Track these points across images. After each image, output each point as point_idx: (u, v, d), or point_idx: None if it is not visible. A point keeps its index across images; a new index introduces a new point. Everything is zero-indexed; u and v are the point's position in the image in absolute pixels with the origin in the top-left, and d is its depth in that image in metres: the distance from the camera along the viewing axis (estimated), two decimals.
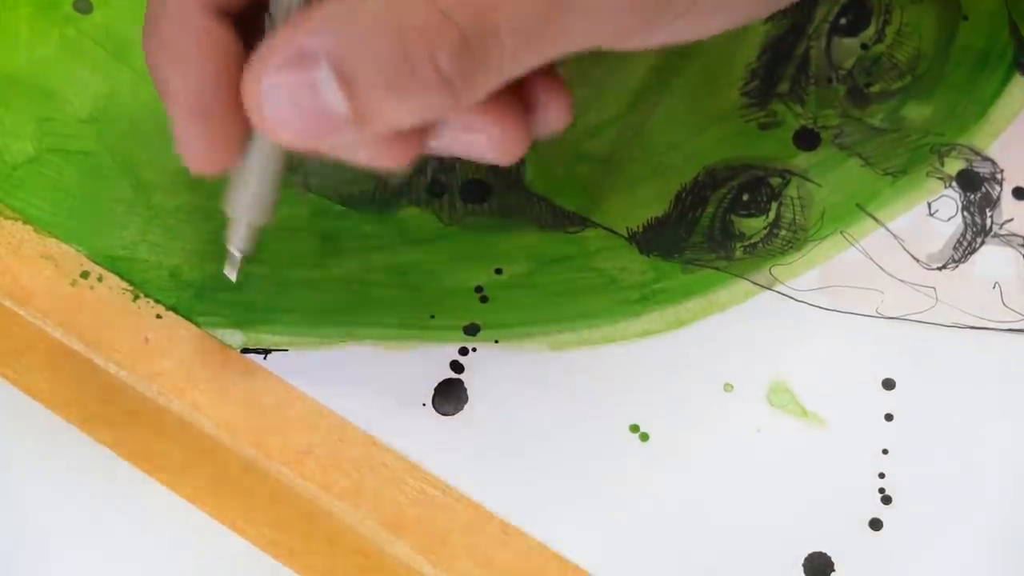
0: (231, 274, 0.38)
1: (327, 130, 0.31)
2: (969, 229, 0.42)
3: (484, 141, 0.34)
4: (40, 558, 0.40)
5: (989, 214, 0.42)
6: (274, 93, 0.31)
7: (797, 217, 0.42)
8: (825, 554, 0.38)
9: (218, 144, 0.34)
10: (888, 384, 0.40)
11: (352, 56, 0.30)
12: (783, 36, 0.44)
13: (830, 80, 0.44)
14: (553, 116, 0.35)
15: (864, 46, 0.45)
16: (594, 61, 0.43)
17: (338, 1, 0.31)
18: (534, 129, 0.35)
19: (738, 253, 0.41)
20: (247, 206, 0.36)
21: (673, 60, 0.43)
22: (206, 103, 0.33)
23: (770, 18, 0.44)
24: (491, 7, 0.30)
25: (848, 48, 0.45)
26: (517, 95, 0.34)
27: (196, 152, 0.34)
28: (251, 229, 0.36)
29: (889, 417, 0.39)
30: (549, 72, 0.35)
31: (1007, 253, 0.42)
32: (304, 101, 0.31)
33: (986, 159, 0.43)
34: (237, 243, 0.37)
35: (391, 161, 0.34)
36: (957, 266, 0.41)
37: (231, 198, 0.36)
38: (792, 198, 0.42)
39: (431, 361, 0.40)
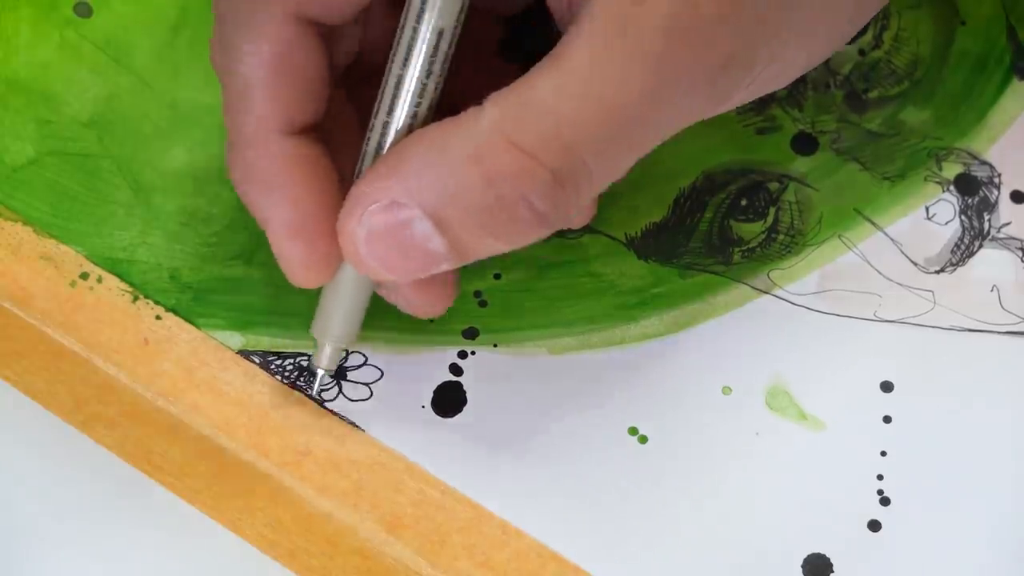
0: (314, 391, 0.39)
1: (425, 268, 0.33)
2: (967, 233, 0.42)
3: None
4: (40, 558, 0.40)
5: (987, 218, 0.42)
6: (372, 241, 0.32)
7: (795, 222, 0.42)
8: (824, 555, 0.38)
9: (318, 260, 0.35)
10: (886, 387, 0.40)
11: (446, 205, 0.31)
12: None
13: (828, 85, 0.44)
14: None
15: (862, 52, 0.45)
16: None
17: (420, 143, 0.31)
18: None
19: (736, 258, 0.41)
20: (336, 332, 0.37)
21: None
22: (301, 226, 0.34)
23: None
24: (576, 139, 0.31)
25: (846, 53, 0.45)
26: None
27: (297, 269, 0.35)
28: (337, 351, 0.37)
29: (887, 420, 0.39)
30: None
31: (1005, 256, 0.42)
32: (404, 247, 0.32)
33: (984, 163, 0.43)
34: (325, 364, 0.38)
35: (432, 305, 0.37)
36: (955, 269, 0.42)
37: (319, 321, 0.37)
38: (790, 203, 0.42)
39: (430, 364, 0.40)
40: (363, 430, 0.38)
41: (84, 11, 0.43)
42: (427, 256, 0.32)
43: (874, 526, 0.38)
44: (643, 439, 0.39)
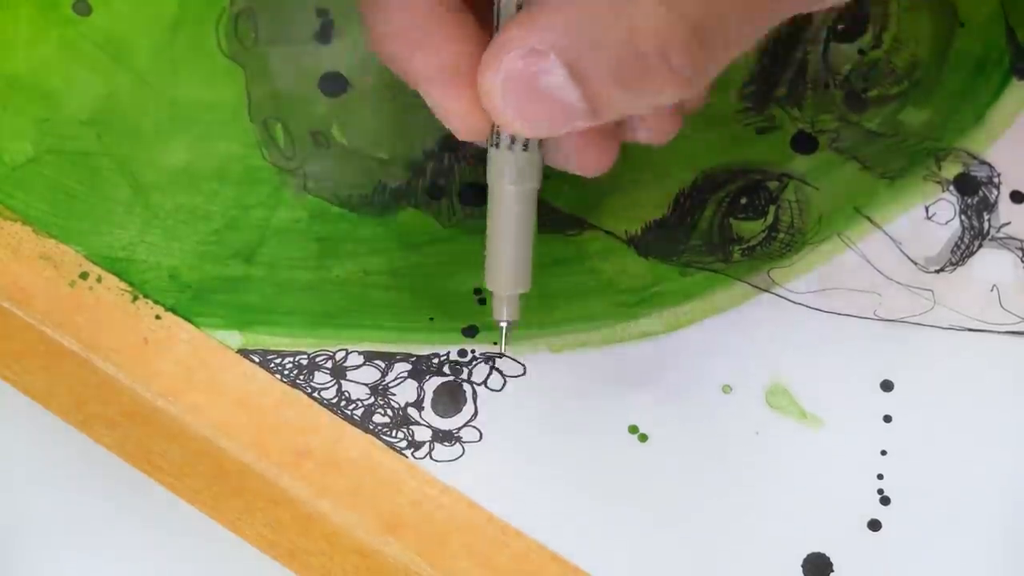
0: (502, 347, 0.39)
1: (561, 121, 0.32)
2: (967, 232, 0.42)
3: (563, 159, 0.37)
4: (40, 558, 0.40)
5: (987, 217, 0.42)
6: (509, 86, 0.32)
7: (795, 220, 0.42)
8: (824, 555, 0.38)
9: (476, 107, 0.34)
10: (886, 386, 0.40)
11: (583, 54, 0.31)
12: (781, 41, 0.44)
13: (827, 85, 0.44)
14: (654, 127, 0.37)
15: (861, 52, 0.45)
16: None
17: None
18: (641, 138, 0.37)
19: (736, 256, 0.41)
20: (509, 280, 0.37)
21: None
22: (455, 74, 0.34)
23: None
24: None
25: (846, 54, 0.45)
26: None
27: (455, 118, 0.35)
28: (514, 299, 0.37)
29: (887, 419, 0.39)
30: None
31: (1005, 256, 0.42)
32: (537, 95, 0.32)
33: (983, 163, 0.43)
34: (508, 315, 0.38)
35: (598, 159, 0.37)
36: (955, 269, 0.42)
37: (492, 275, 0.37)
38: (790, 201, 0.42)
39: (430, 363, 0.40)
40: (361, 431, 0.38)
41: (83, 9, 0.43)
42: (562, 107, 0.32)
43: (874, 525, 0.38)
44: (643, 437, 0.39)
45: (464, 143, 0.42)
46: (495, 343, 0.40)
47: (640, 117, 0.36)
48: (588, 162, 0.37)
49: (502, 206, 0.36)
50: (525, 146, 0.35)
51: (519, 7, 0.34)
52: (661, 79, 0.31)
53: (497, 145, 0.36)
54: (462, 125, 0.35)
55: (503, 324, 0.38)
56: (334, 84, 0.43)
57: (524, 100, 0.32)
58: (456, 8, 0.35)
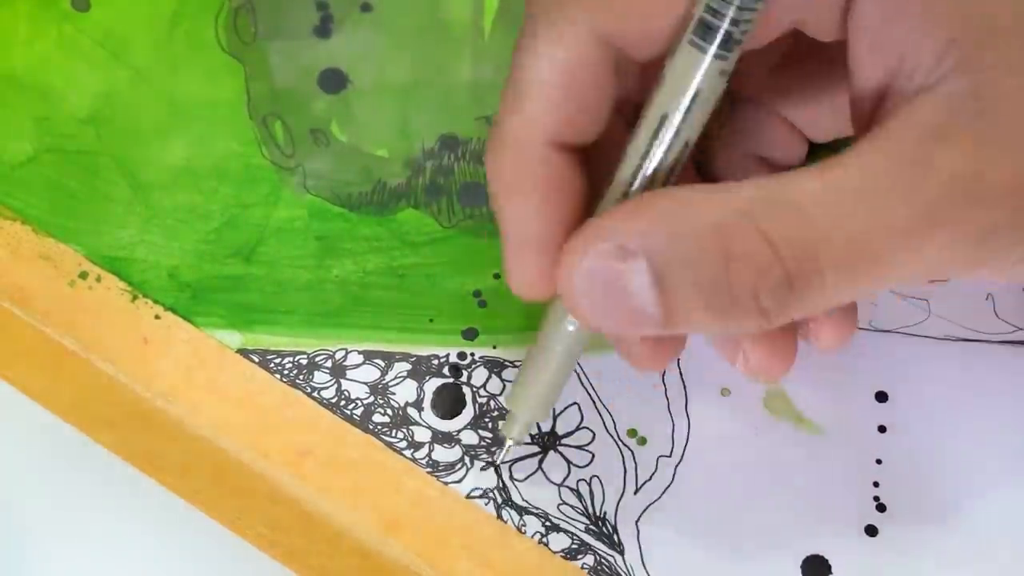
0: (498, 459, 0.39)
1: (631, 324, 0.31)
2: None
3: (740, 360, 0.35)
4: (40, 558, 0.40)
5: None
6: (588, 277, 0.31)
7: None
8: (823, 558, 0.38)
9: (542, 276, 0.33)
10: (881, 397, 0.40)
11: (673, 267, 0.30)
12: None
13: None
14: (828, 337, 0.35)
15: None
16: None
17: (668, 200, 0.30)
18: (811, 342, 0.35)
19: None
20: (531, 405, 0.36)
21: None
22: (535, 238, 0.33)
23: None
24: (820, 246, 0.29)
25: None
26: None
27: (519, 279, 0.34)
28: (527, 424, 0.36)
29: (883, 429, 0.39)
30: None
31: None
32: (615, 293, 0.31)
33: None
34: (514, 435, 0.37)
35: (656, 361, 0.35)
36: (950, 278, 0.42)
37: (515, 394, 0.36)
38: None
39: (430, 364, 0.40)
40: (362, 431, 0.39)
41: (82, 5, 0.43)
42: (637, 312, 0.31)
43: (871, 531, 0.38)
44: (643, 440, 0.39)
45: (464, 142, 0.42)
46: (495, 346, 0.40)
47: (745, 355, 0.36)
48: (643, 360, 0.36)
49: (553, 341, 0.35)
50: None
51: (625, 194, 0.32)
52: (744, 312, 0.30)
53: None
54: (522, 289, 0.34)
55: (509, 442, 0.37)
56: (333, 81, 0.43)
57: (600, 295, 0.31)
58: (569, 161, 0.33)
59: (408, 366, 0.40)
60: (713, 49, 0.30)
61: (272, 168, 0.42)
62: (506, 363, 0.40)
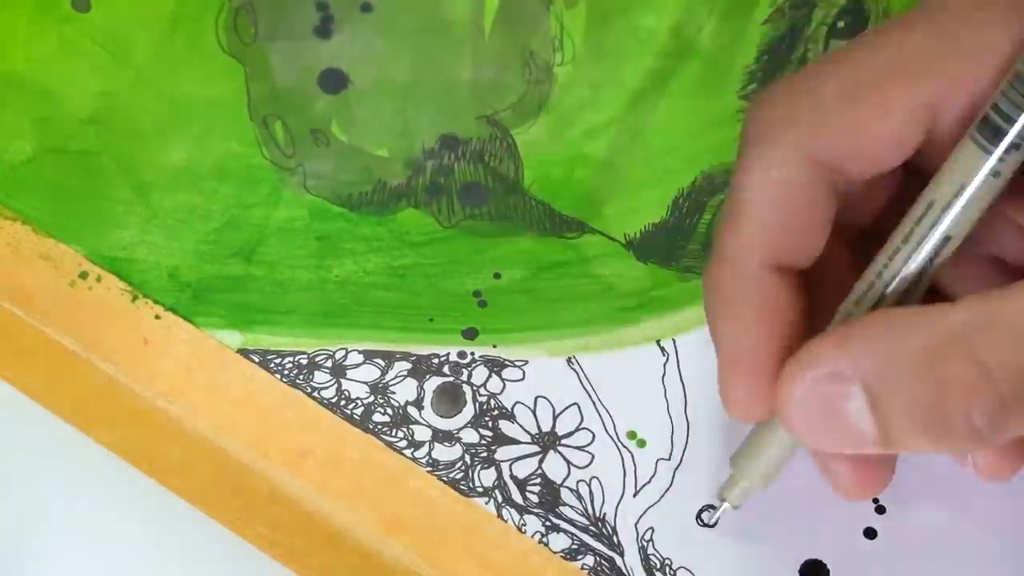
0: (712, 520, 0.39)
1: (846, 445, 0.32)
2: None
3: (967, 463, 0.35)
4: (39, 558, 0.40)
5: None
6: (805, 402, 0.31)
7: None
8: (821, 562, 0.38)
9: (754, 397, 0.34)
10: None
11: (887, 391, 0.30)
12: (781, 39, 0.44)
13: None
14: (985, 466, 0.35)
15: None
16: (591, 61, 0.43)
17: (883, 322, 0.31)
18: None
19: None
20: (756, 473, 0.36)
21: (671, 62, 0.43)
22: (747, 361, 0.33)
23: (768, 20, 0.44)
24: None
25: None
26: None
27: (733, 400, 0.34)
28: (748, 490, 0.36)
29: None
30: None
31: None
32: (833, 417, 0.31)
33: None
34: (734, 501, 0.36)
35: (864, 488, 0.35)
36: None
37: (743, 457, 0.36)
38: None
39: (430, 363, 0.40)
40: (362, 431, 0.39)
41: (82, 6, 0.43)
42: (853, 434, 0.31)
43: (870, 533, 0.38)
44: (642, 443, 0.39)
45: (464, 142, 0.42)
46: (495, 345, 0.40)
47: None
48: (851, 487, 0.35)
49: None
50: None
51: (846, 316, 0.33)
52: (959, 434, 0.31)
53: None
54: (737, 410, 0.34)
55: (726, 505, 0.36)
56: (334, 81, 0.43)
57: (818, 418, 0.31)
58: (786, 283, 0.33)
59: (408, 365, 0.40)
60: (998, 153, 0.30)
61: (272, 168, 0.42)
62: (506, 362, 0.40)
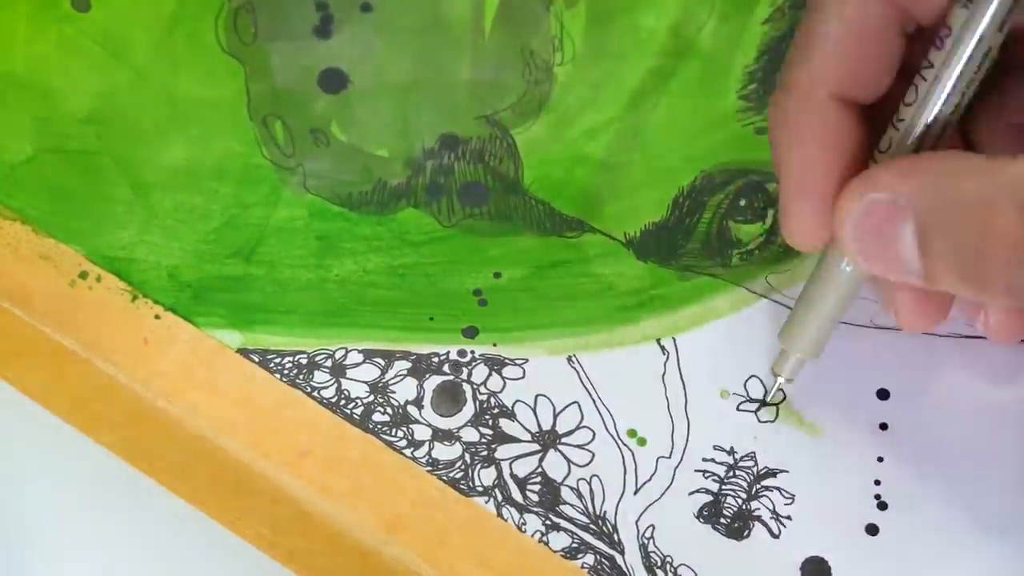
0: (769, 396, 0.40)
1: (894, 272, 0.33)
2: None
3: (980, 318, 0.36)
4: (39, 558, 0.40)
5: None
6: (860, 222, 0.33)
7: None
8: (822, 558, 0.38)
9: (818, 224, 0.35)
10: (882, 394, 0.40)
11: (936, 230, 0.31)
12: (782, 38, 0.44)
13: None
14: (997, 327, 0.36)
15: None
16: (591, 61, 0.43)
17: (942, 163, 0.32)
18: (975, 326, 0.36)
19: (735, 260, 0.41)
20: (806, 343, 0.37)
21: (671, 62, 0.43)
22: (813, 186, 0.34)
23: (768, 20, 0.44)
24: None
25: None
26: None
27: (796, 227, 0.35)
28: (800, 362, 0.38)
29: (884, 426, 0.39)
30: None
31: None
32: (883, 241, 0.32)
33: None
34: (787, 373, 0.38)
35: (919, 320, 0.36)
36: None
37: (790, 332, 0.37)
38: None
39: (430, 362, 0.40)
40: (361, 431, 0.39)
41: (82, 5, 0.43)
42: (902, 263, 0.32)
43: (872, 530, 0.38)
44: (642, 441, 0.39)
45: (464, 142, 0.42)
46: (495, 344, 0.40)
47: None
48: (908, 316, 0.37)
49: (832, 282, 0.36)
50: None
51: (905, 146, 0.34)
52: (995, 287, 0.31)
53: None
54: (796, 235, 0.35)
55: (780, 379, 0.38)
56: (334, 81, 0.43)
57: (871, 240, 0.33)
58: (851, 116, 0.35)
59: (408, 364, 0.40)
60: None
61: (272, 168, 0.42)
62: (506, 360, 0.40)
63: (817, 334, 0.37)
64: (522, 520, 0.38)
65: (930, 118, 0.33)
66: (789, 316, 0.37)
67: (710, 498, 0.39)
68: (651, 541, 0.38)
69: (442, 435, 0.39)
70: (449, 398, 0.39)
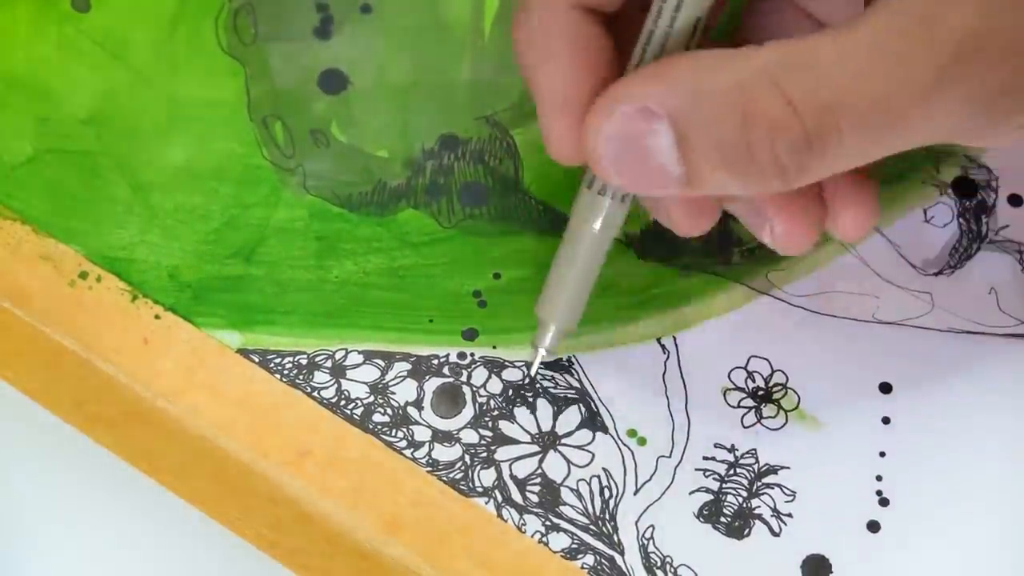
0: (532, 370, 0.40)
1: (655, 184, 0.32)
2: (965, 235, 0.42)
3: (766, 231, 0.36)
4: (39, 558, 0.40)
5: (984, 220, 0.42)
6: (613, 139, 0.32)
7: None
8: (823, 556, 0.38)
9: (575, 137, 0.34)
10: (885, 388, 0.40)
11: (694, 126, 0.31)
12: None
13: None
14: (849, 223, 0.36)
15: None
16: None
17: (691, 62, 0.31)
18: (829, 229, 0.36)
19: (736, 258, 0.41)
20: (561, 314, 0.37)
21: None
22: (566, 101, 0.34)
23: None
24: (838, 103, 0.30)
25: None
26: (815, 192, 0.35)
27: (555, 142, 0.35)
28: (559, 333, 0.38)
29: (886, 421, 0.39)
30: (858, 174, 0.35)
31: (1003, 259, 0.42)
32: (639, 153, 0.32)
33: (981, 166, 0.43)
34: (546, 344, 0.38)
35: (695, 224, 0.36)
36: (953, 272, 0.42)
37: (545, 304, 0.37)
38: None
39: (430, 364, 0.40)
40: (361, 431, 0.39)
41: (82, 6, 0.43)
42: (661, 172, 0.32)
43: (873, 527, 0.38)
44: (642, 441, 0.39)
45: (464, 142, 0.42)
46: (494, 346, 0.40)
47: (770, 225, 0.36)
48: (682, 223, 0.36)
49: (578, 245, 0.36)
50: (624, 198, 0.36)
51: (655, 55, 0.33)
52: (763, 170, 0.31)
53: (590, 187, 0.36)
54: (559, 152, 0.35)
55: (541, 350, 0.38)
56: (334, 81, 0.43)
57: (625, 155, 0.32)
58: (596, 26, 0.34)
59: (408, 366, 0.40)
60: None
61: (272, 169, 0.42)
62: (506, 363, 0.40)
63: (570, 302, 0.36)
64: (522, 521, 0.38)
65: (677, 23, 0.33)
66: (545, 285, 0.37)
67: (711, 497, 0.39)
68: (651, 541, 0.38)
69: (442, 436, 0.39)
70: (449, 400, 0.39)
